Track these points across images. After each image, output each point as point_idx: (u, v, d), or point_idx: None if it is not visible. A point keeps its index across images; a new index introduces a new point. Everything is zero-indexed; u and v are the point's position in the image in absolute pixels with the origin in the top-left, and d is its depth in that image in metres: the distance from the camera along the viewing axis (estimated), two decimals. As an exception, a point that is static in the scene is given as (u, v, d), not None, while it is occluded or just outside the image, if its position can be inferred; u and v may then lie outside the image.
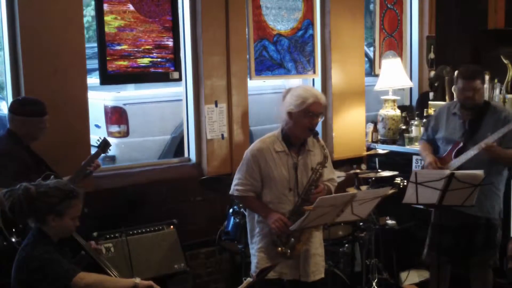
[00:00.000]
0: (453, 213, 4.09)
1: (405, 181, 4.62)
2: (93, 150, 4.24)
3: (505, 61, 5.76)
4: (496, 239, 4.29)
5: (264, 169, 3.58)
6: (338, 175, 4.28)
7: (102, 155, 4.07)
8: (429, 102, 6.03)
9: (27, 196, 2.85)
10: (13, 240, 3.45)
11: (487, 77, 5.57)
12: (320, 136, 3.63)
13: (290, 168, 3.58)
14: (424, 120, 5.71)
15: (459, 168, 4.09)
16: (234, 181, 3.68)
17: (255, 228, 3.69)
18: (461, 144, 4.19)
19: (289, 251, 3.53)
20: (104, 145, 4.03)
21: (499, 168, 4.23)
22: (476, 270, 4.38)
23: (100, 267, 3.58)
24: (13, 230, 3.46)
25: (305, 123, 3.52)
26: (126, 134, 6.32)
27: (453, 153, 4.21)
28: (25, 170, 3.61)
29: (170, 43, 4.91)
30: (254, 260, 3.69)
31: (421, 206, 4.13)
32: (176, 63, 4.94)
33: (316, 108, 3.53)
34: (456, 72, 4.48)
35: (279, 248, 3.53)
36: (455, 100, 4.56)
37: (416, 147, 5.50)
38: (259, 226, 3.66)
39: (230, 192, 3.71)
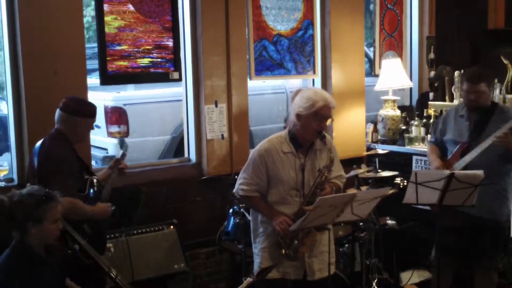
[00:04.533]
0: (460, 215, 4.09)
1: (405, 181, 4.62)
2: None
3: (505, 61, 5.75)
4: (504, 242, 4.28)
5: (271, 170, 3.57)
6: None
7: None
8: (429, 102, 6.02)
9: (1, 208, 2.80)
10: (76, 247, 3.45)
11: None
12: (326, 139, 3.58)
13: (297, 169, 3.57)
14: (424, 120, 5.72)
15: (465, 168, 4.09)
16: (239, 180, 3.67)
17: (258, 228, 3.69)
18: (467, 145, 4.18)
19: (292, 253, 3.53)
20: (123, 145, 4.10)
21: (507, 169, 4.21)
22: (481, 271, 4.37)
23: (100, 267, 3.59)
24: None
25: (314, 126, 3.50)
26: (126, 134, 6.31)
27: (459, 154, 4.21)
28: (77, 174, 3.58)
29: (170, 43, 4.91)
30: (257, 260, 3.69)
31: (421, 206, 4.12)
32: (176, 63, 4.94)
33: (325, 111, 3.51)
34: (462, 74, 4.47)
35: (283, 250, 3.53)
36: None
37: (416, 147, 5.51)
38: (263, 226, 3.65)
39: (235, 191, 3.70)
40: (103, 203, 3.71)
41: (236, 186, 3.69)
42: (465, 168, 4.10)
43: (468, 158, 4.12)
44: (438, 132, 4.47)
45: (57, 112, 3.68)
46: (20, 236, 2.86)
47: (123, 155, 4.05)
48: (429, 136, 5.46)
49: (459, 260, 4.43)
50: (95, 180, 3.72)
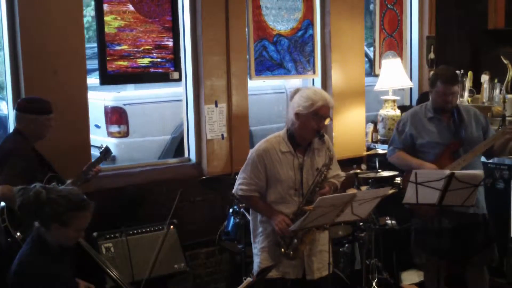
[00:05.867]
0: (450, 214, 4.09)
1: (405, 181, 4.61)
2: (95, 150, 4.26)
3: (505, 61, 5.76)
4: (492, 236, 4.31)
5: (270, 170, 3.58)
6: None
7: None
8: (429, 102, 6.02)
9: (37, 199, 2.82)
10: (17, 235, 3.45)
11: (487, 77, 5.59)
12: (325, 138, 3.60)
13: (295, 168, 3.57)
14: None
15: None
16: (238, 181, 3.67)
17: (258, 228, 3.69)
18: (459, 144, 4.20)
19: (291, 252, 3.53)
20: (105, 153, 4.08)
21: (479, 162, 4.33)
22: (474, 269, 4.37)
23: (100, 267, 3.59)
24: (18, 225, 3.46)
25: (313, 125, 3.52)
26: (126, 134, 6.32)
27: (449, 154, 4.21)
28: (31, 169, 3.63)
29: (170, 43, 4.91)
30: (256, 260, 3.69)
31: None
32: (176, 63, 4.94)
33: (324, 111, 3.53)
34: (432, 74, 4.46)
35: (282, 249, 3.54)
36: (423, 104, 4.52)
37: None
38: (262, 226, 3.66)
39: (234, 191, 3.71)
40: None
41: (235, 186, 3.69)
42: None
43: (470, 156, 4.13)
44: (408, 138, 4.37)
45: (13, 112, 3.86)
46: (41, 230, 2.89)
47: (100, 159, 4.05)
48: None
49: (454, 261, 4.43)
50: (54, 178, 3.75)
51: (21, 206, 2.85)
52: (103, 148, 4.10)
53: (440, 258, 4.18)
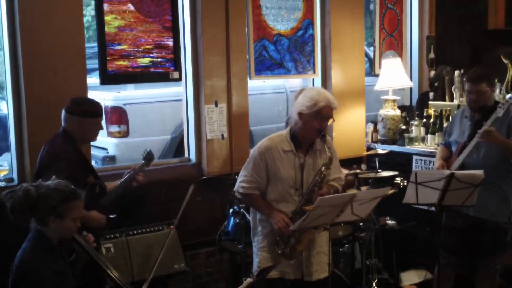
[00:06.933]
0: (461, 216, 4.10)
1: (405, 181, 4.62)
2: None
3: (505, 61, 5.76)
4: (506, 242, 4.27)
5: (271, 168, 3.59)
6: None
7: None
8: (429, 102, 6.03)
9: (27, 197, 2.82)
10: None
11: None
12: (326, 139, 3.60)
13: (296, 168, 3.58)
14: (424, 120, 5.72)
15: (463, 167, 4.09)
16: (240, 178, 3.69)
17: (257, 227, 3.70)
18: (462, 144, 4.19)
19: (289, 251, 3.53)
20: (148, 158, 4.02)
21: (508, 169, 4.21)
22: (482, 272, 4.37)
23: (99, 267, 3.58)
24: None
25: (315, 125, 3.53)
26: (126, 134, 6.32)
27: (457, 154, 4.22)
28: (73, 174, 3.48)
29: (170, 43, 4.91)
30: (256, 259, 3.70)
31: (421, 206, 4.12)
32: (176, 63, 4.94)
33: (327, 111, 3.55)
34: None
35: (280, 248, 3.54)
36: None
37: (416, 147, 5.51)
38: (261, 225, 3.67)
39: (235, 188, 3.72)
40: (97, 213, 3.69)
41: (237, 184, 3.71)
42: (463, 167, 4.11)
43: (461, 157, 4.14)
44: (447, 134, 4.54)
45: (62, 112, 3.73)
46: (39, 227, 2.89)
47: (143, 166, 4.00)
48: (429, 136, 5.46)
49: (461, 261, 4.43)
50: (97, 185, 3.70)
51: (12, 208, 2.84)
52: (146, 153, 4.02)
53: (448, 257, 4.20)
